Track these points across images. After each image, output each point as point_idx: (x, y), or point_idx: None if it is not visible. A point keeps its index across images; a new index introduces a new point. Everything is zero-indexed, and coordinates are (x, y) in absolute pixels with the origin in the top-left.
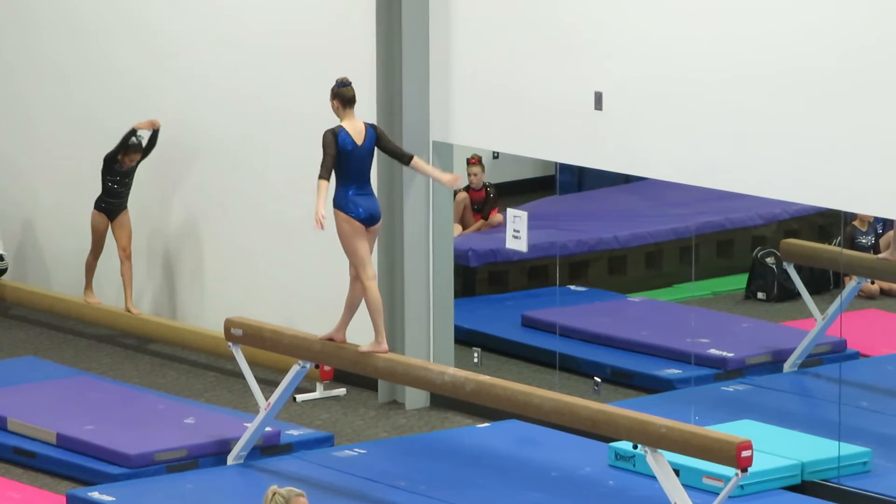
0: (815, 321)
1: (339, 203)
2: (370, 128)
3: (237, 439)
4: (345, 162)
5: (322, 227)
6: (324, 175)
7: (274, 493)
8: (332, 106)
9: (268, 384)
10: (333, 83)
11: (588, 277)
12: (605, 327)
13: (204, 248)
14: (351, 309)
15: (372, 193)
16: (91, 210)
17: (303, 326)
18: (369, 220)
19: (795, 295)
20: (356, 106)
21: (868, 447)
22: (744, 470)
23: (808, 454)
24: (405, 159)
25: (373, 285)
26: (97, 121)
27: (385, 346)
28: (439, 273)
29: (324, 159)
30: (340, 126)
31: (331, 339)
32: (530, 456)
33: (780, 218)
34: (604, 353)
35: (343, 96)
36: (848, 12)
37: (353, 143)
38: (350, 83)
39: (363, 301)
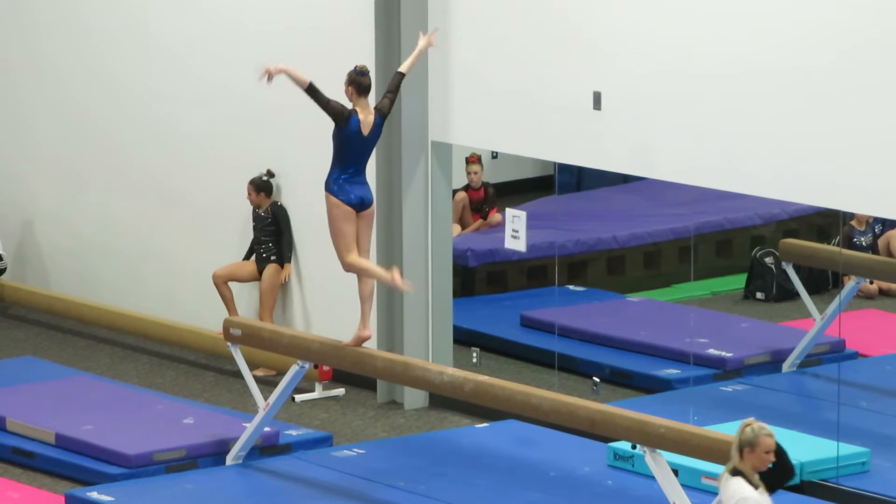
0: (814, 321)
1: (331, 187)
2: (378, 117)
3: (236, 439)
4: (346, 147)
5: (268, 75)
6: (313, 86)
7: (747, 425)
8: (347, 92)
9: (267, 384)
10: (352, 69)
11: (587, 277)
12: (604, 327)
13: (203, 248)
14: (366, 300)
15: (365, 182)
16: None
17: (301, 327)
18: (359, 205)
19: (794, 295)
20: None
21: (867, 447)
22: None
23: (807, 454)
24: (398, 78)
25: (354, 258)
26: (95, 122)
27: (368, 331)
28: (438, 273)
29: (325, 97)
30: (354, 111)
31: (362, 340)
32: (529, 456)
33: (778, 218)
34: (603, 353)
35: (360, 84)
36: (847, 12)
37: (360, 132)
38: (368, 72)
39: (370, 288)
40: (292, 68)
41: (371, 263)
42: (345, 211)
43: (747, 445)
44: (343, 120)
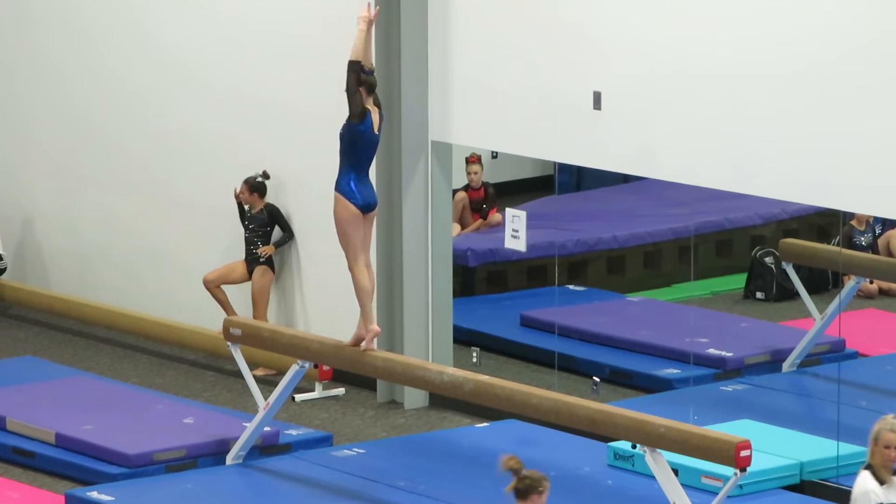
0: (814, 321)
1: (343, 188)
2: (382, 114)
3: (236, 439)
4: (358, 146)
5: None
6: (357, 65)
7: (881, 420)
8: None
9: (267, 384)
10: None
11: (587, 277)
12: (604, 327)
13: (203, 248)
14: (366, 297)
15: (369, 183)
16: None
17: (301, 327)
18: (366, 207)
19: (794, 294)
20: None
21: (867, 447)
22: (742, 469)
23: (807, 454)
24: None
25: (363, 272)
26: (95, 122)
27: (376, 326)
28: (438, 273)
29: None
30: (368, 110)
31: (360, 339)
32: (529, 455)
33: (778, 218)
34: (603, 352)
35: (370, 84)
36: (848, 12)
37: (372, 130)
38: (374, 71)
39: (364, 286)
40: (363, 38)
41: (369, 299)
42: (353, 214)
43: (872, 439)
44: (358, 117)
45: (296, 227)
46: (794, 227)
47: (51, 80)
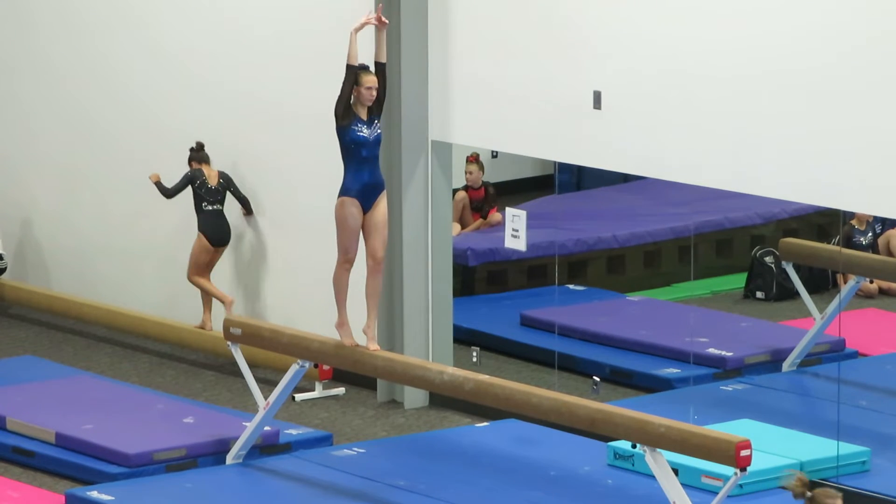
0: (814, 320)
1: (341, 188)
2: (374, 118)
3: (236, 438)
4: (343, 146)
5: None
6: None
7: None
8: (356, 94)
9: (267, 383)
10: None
11: (587, 277)
12: (604, 327)
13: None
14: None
15: (368, 172)
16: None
17: (301, 326)
18: (361, 192)
19: (794, 294)
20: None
21: (867, 446)
22: (743, 469)
23: (807, 453)
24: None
25: (336, 271)
26: (95, 121)
27: (336, 322)
28: (438, 272)
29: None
30: (356, 114)
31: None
32: (529, 455)
33: (779, 217)
34: (603, 352)
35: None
36: (847, 12)
37: (357, 132)
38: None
39: (334, 282)
40: (355, 40)
41: (341, 298)
42: (342, 211)
43: None
44: (339, 119)
45: (294, 226)
46: (794, 226)
47: (51, 79)
